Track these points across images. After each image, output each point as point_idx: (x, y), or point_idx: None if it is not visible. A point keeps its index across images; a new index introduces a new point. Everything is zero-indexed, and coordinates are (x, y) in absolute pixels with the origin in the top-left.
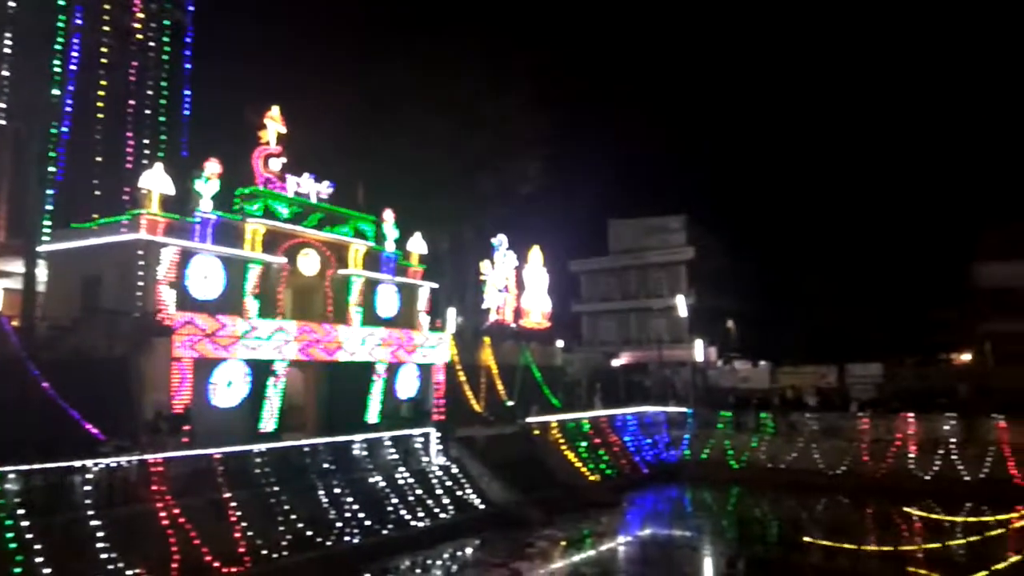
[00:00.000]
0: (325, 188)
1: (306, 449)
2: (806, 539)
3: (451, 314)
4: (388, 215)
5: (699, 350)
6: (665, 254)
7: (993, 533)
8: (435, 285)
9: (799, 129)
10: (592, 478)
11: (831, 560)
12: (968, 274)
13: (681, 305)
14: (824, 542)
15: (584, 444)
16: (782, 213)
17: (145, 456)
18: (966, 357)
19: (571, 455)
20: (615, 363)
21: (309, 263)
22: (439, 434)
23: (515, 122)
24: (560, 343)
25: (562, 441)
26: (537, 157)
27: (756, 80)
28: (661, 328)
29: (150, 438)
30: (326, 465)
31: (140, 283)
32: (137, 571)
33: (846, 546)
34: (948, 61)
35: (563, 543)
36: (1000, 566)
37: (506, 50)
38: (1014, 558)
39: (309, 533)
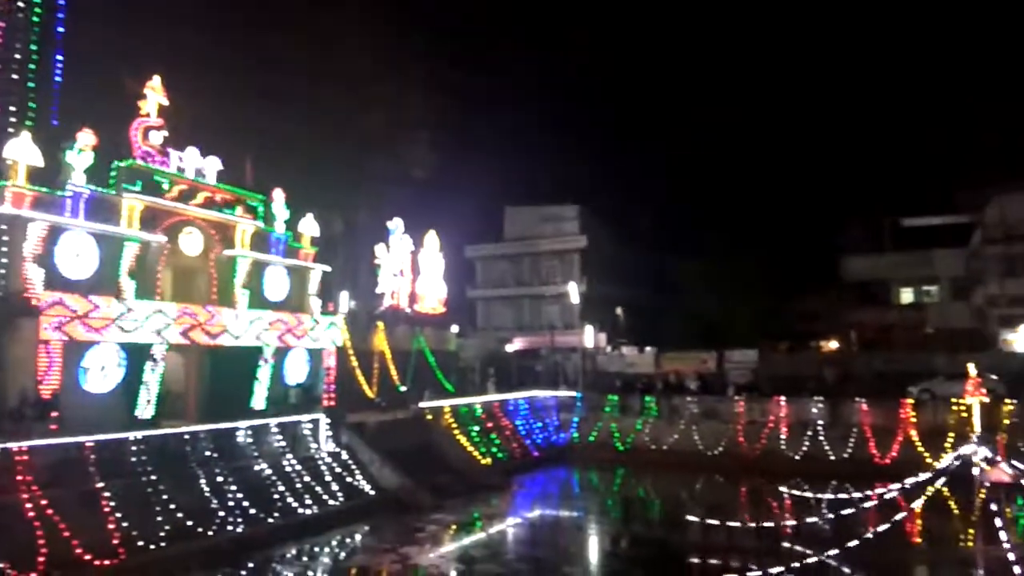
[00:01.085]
0: (211, 164)
1: (186, 436)
2: (686, 516)
3: (344, 298)
4: (278, 194)
5: (589, 336)
6: (559, 242)
7: (855, 509)
8: (327, 268)
9: (684, 124)
10: (484, 462)
11: (709, 536)
12: (835, 267)
13: (573, 292)
14: (702, 519)
15: (476, 428)
16: (669, 206)
17: (8, 444)
18: (833, 344)
19: (463, 439)
20: (509, 348)
21: (192, 242)
22: (329, 420)
23: (413, 104)
24: (455, 328)
25: (455, 426)
26: (434, 141)
27: (645, 74)
28: (554, 314)
29: (14, 425)
30: (208, 453)
31: (4, 260)
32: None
33: (723, 523)
34: (817, 63)
35: (453, 526)
36: (860, 539)
37: (405, 30)
38: (874, 531)
39: (189, 523)
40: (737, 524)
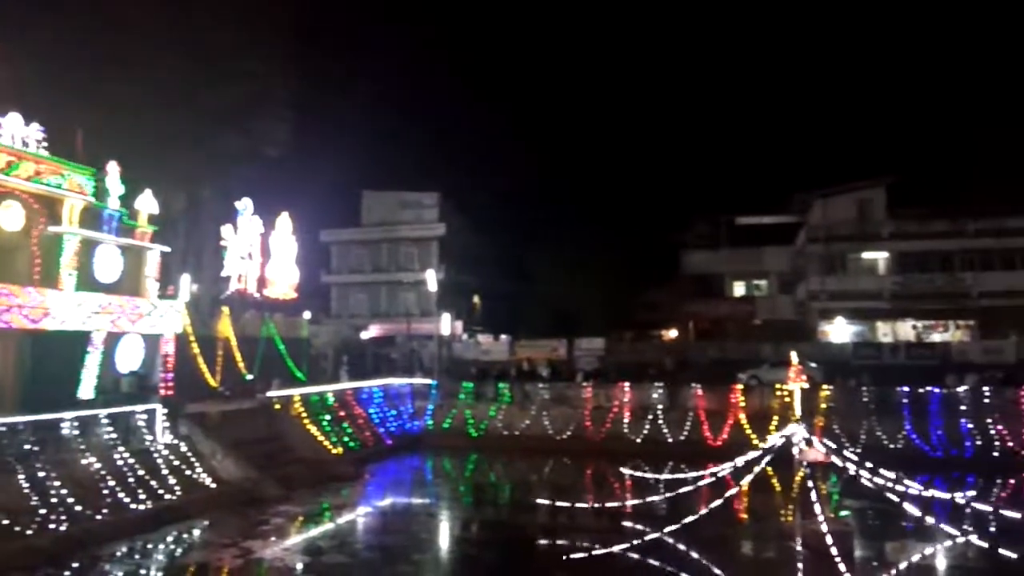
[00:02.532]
0: (34, 132)
1: (2, 428)
2: (536, 500)
3: (185, 281)
4: (112, 168)
5: (446, 324)
6: (418, 229)
7: (689, 488)
8: (167, 249)
9: (545, 120)
10: (335, 451)
11: (555, 518)
12: (677, 262)
13: (431, 280)
14: (549, 501)
15: (328, 418)
16: (527, 198)
17: None
18: (673, 334)
19: (314, 429)
20: (364, 336)
21: (11, 217)
22: (166, 410)
23: (267, 80)
24: (307, 315)
25: (305, 415)
26: (289, 118)
27: (508, 69)
28: (411, 302)
29: None
30: (28, 446)
31: None
32: None
33: (569, 505)
34: (670, 70)
35: (300, 518)
36: (694, 516)
37: (263, 2)
38: (706, 508)
39: (6, 522)
40: (582, 505)
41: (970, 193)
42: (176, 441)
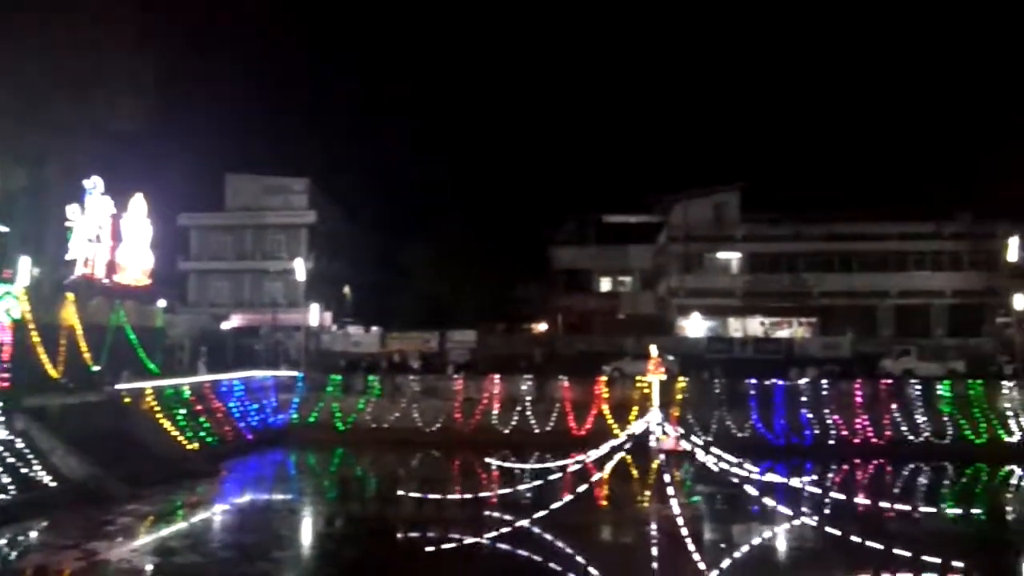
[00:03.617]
0: None
1: None
2: (400, 492)
3: (25, 264)
4: None
5: (314, 314)
6: (286, 215)
7: (553, 477)
8: (5, 229)
9: (417, 108)
10: (190, 447)
11: (421, 510)
12: (547, 257)
13: (299, 269)
14: (415, 494)
15: (184, 412)
16: (402, 188)
17: None
18: (543, 327)
19: (168, 424)
20: (225, 326)
21: None
22: (1, 404)
23: (116, 49)
24: (162, 303)
25: (158, 409)
26: (146, 94)
27: (381, 55)
28: (277, 291)
29: None
30: None
31: None
32: None
33: (434, 496)
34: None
35: (150, 517)
36: (557, 505)
37: None
38: (569, 496)
39: None
40: (448, 496)
41: (815, 199)
42: (11, 437)
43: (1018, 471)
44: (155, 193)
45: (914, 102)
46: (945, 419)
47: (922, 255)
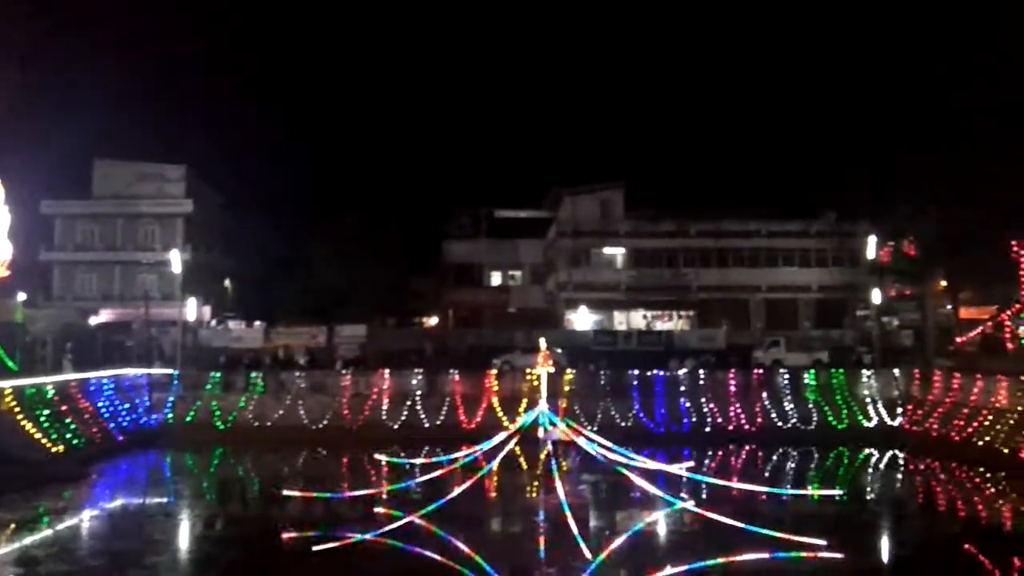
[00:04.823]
0: None
1: None
2: (285, 492)
3: None
4: None
5: (192, 309)
6: (160, 205)
7: (444, 471)
8: None
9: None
10: (55, 450)
11: (307, 509)
12: (440, 251)
13: (175, 261)
14: (301, 493)
15: (47, 413)
16: (289, 176)
17: None
18: (434, 321)
19: (29, 425)
20: (93, 321)
21: None
22: None
23: None
24: (22, 296)
25: (17, 410)
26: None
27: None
28: (151, 284)
29: None
30: None
31: None
32: None
33: (321, 495)
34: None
35: (11, 525)
36: (447, 498)
37: None
38: (458, 490)
39: None
40: (335, 495)
41: (694, 198)
42: None
43: (876, 454)
44: (15, 178)
45: (786, 107)
46: (810, 406)
47: (791, 252)
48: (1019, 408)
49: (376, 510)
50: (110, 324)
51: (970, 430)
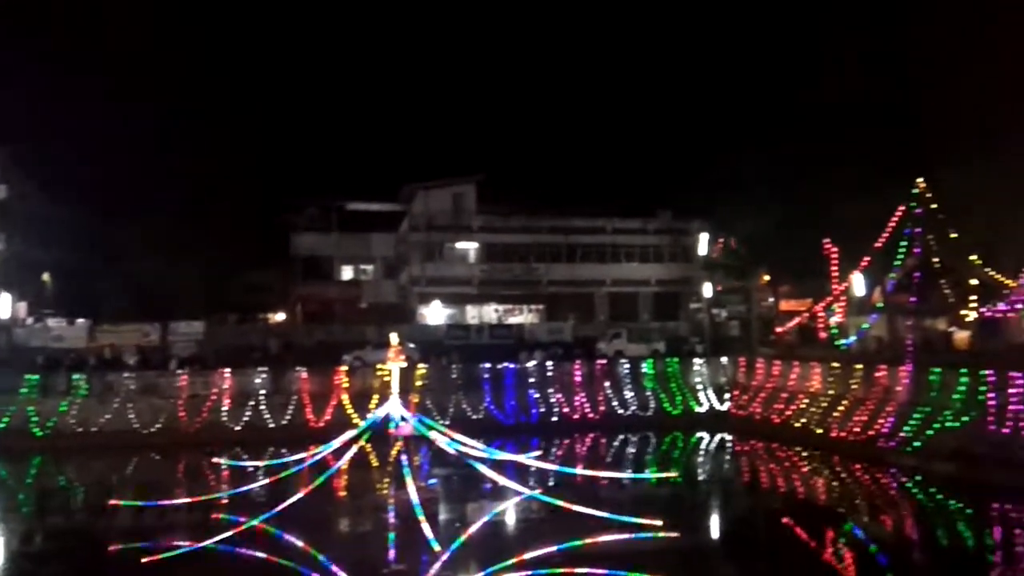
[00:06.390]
0: None
1: None
2: (112, 502)
3: None
4: None
5: (5, 305)
6: None
7: (290, 472)
8: None
9: (138, 71)
10: None
11: (137, 519)
12: (287, 243)
13: None
14: (131, 502)
15: None
16: (113, 161)
17: None
18: (280, 316)
19: None
20: None
21: None
22: None
23: None
24: None
25: None
26: None
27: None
28: None
29: None
30: None
31: None
32: None
33: (154, 503)
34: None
35: None
36: (292, 500)
37: None
38: (305, 491)
39: None
40: (171, 502)
41: (544, 194)
42: None
43: (706, 437)
44: None
45: (630, 109)
46: (648, 394)
47: (632, 248)
48: (831, 392)
49: (215, 516)
50: None
51: (788, 413)
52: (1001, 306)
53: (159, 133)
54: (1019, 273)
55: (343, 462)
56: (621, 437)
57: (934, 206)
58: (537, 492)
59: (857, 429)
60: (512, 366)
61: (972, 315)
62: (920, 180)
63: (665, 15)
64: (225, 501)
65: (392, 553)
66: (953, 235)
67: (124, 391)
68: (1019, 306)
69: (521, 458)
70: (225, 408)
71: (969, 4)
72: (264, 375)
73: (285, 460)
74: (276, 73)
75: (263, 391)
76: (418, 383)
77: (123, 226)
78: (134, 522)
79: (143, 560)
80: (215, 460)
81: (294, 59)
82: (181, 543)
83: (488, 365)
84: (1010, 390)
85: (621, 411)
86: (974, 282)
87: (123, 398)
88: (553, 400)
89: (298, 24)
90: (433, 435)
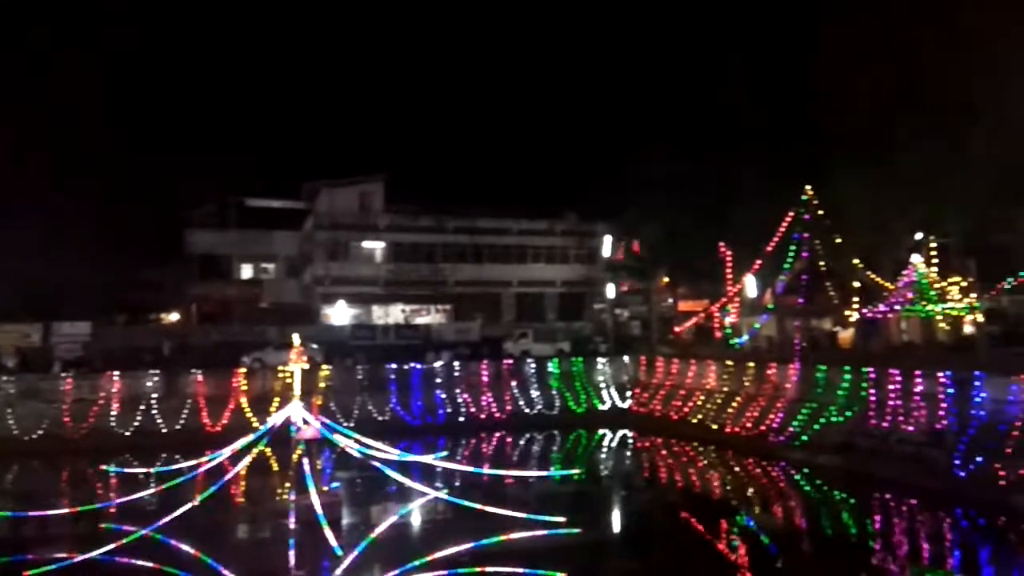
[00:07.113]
0: None
1: None
2: None
3: None
4: None
5: None
6: None
7: (184, 479)
8: None
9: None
10: None
11: (16, 530)
12: (180, 240)
13: None
14: (8, 512)
15: None
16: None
17: None
18: (174, 316)
19: None
20: None
21: None
22: None
23: None
24: None
25: None
26: None
27: None
28: None
29: None
30: None
31: None
32: None
33: (34, 513)
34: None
35: None
36: (186, 508)
37: None
38: (200, 497)
39: None
40: (54, 512)
41: (452, 194)
42: None
43: (609, 434)
44: None
45: (539, 111)
46: (554, 393)
47: (539, 249)
48: (725, 389)
49: (101, 526)
50: None
51: (686, 410)
52: (881, 307)
53: (48, 127)
54: (897, 277)
55: (240, 468)
56: (527, 436)
57: (820, 212)
58: (443, 493)
59: (749, 425)
60: (419, 366)
61: (854, 316)
62: (808, 187)
63: (572, 19)
64: (112, 510)
65: (292, 560)
66: (838, 240)
67: (3, 395)
68: (897, 307)
69: (427, 459)
70: (114, 413)
71: (861, 17)
72: (156, 378)
73: (179, 466)
74: (174, 65)
75: (155, 395)
76: (321, 385)
77: (6, 223)
78: (13, 534)
79: (24, 574)
80: (102, 467)
81: (194, 51)
82: (64, 555)
83: (394, 366)
84: (889, 386)
85: (527, 410)
86: (856, 285)
87: (2, 402)
88: (460, 400)
89: (197, 15)
90: (336, 437)
